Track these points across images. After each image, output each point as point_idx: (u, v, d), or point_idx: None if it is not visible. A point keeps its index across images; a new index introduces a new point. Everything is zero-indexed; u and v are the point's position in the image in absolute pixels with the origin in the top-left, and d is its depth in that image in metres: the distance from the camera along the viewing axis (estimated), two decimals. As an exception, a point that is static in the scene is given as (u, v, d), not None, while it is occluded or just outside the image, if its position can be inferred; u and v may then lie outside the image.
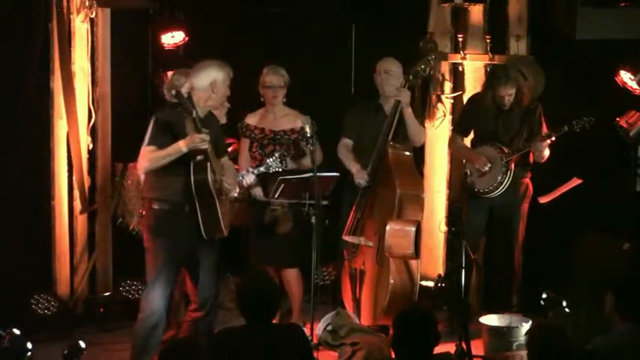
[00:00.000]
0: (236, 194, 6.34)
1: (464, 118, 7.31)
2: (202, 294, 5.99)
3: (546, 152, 6.94)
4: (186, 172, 5.75)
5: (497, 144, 6.97)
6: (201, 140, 5.67)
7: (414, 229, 6.66)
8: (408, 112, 6.88)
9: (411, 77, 6.91)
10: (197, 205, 5.76)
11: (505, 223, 7.10)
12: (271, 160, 6.43)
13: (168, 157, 5.73)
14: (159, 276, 5.86)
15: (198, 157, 5.73)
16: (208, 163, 5.75)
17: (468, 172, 6.88)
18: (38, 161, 7.06)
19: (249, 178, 6.40)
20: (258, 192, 6.71)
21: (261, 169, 6.45)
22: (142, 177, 6.01)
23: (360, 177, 6.86)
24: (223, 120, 6.81)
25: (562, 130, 6.79)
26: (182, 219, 5.82)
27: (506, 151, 6.92)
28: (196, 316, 6.01)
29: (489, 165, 6.93)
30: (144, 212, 6.01)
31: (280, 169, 6.44)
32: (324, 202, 6.48)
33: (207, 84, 5.88)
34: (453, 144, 7.32)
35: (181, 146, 5.69)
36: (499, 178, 6.91)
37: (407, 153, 6.92)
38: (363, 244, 6.86)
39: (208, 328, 5.99)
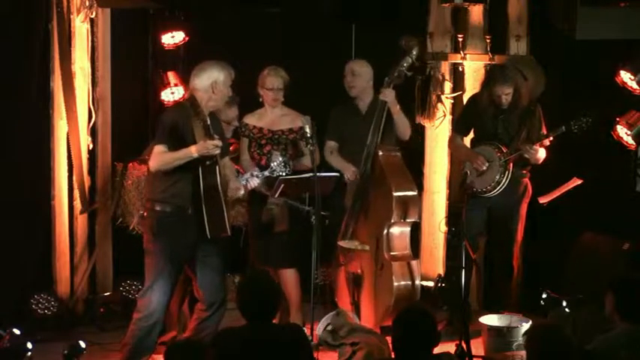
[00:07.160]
0: (240, 196, 6.35)
1: (463, 117, 7.31)
2: (211, 296, 5.98)
3: (541, 154, 6.92)
4: (195, 175, 5.76)
5: (495, 143, 6.96)
6: (214, 147, 5.69)
7: (409, 229, 6.72)
8: (396, 109, 6.84)
9: (395, 76, 6.90)
10: (204, 207, 5.76)
11: (504, 222, 7.09)
12: (275, 164, 6.42)
13: (178, 160, 5.73)
14: (158, 278, 5.86)
15: (208, 162, 5.75)
16: (217, 167, 5.77)
17: (468, 172, 6.89)
18: (38, 161, 7.06)
19: (254, 182, 6.37)
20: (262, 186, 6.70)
21: (266, 173, 6.43)
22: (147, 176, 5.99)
23: (352, 175, 6.86)
24: (234, 120, 6.80)
25: (559, 130, 6.79)
26: (184, 221, 5.82)
27: (504, 151, 6.91)
28: (204, 315, 6.01)
29: (487, 164, 6.93)
30: (145, 213, 6.00)
31: (283, 174, 6.44)
32: (324, 213, 6.48)
33: (208, 85, 5.89)
34: (453, 143, 7.32)
35: (193, 152, 5.70)
36: (497, 177, 6.91)
37: (397, 153, 6.90)
38: (360, 249, 6.86)
39: (214, 328, 5.97)
